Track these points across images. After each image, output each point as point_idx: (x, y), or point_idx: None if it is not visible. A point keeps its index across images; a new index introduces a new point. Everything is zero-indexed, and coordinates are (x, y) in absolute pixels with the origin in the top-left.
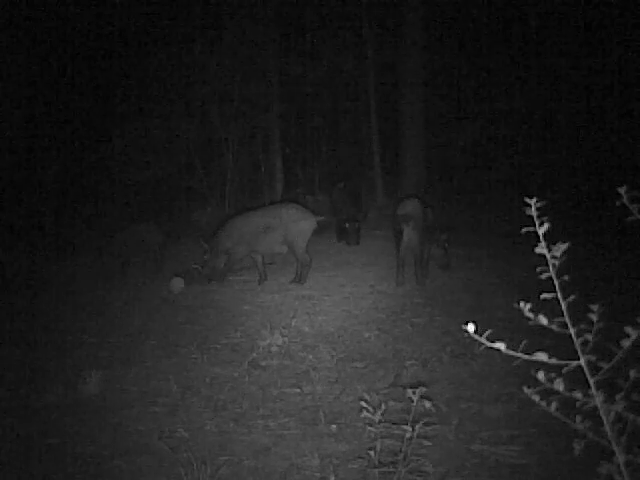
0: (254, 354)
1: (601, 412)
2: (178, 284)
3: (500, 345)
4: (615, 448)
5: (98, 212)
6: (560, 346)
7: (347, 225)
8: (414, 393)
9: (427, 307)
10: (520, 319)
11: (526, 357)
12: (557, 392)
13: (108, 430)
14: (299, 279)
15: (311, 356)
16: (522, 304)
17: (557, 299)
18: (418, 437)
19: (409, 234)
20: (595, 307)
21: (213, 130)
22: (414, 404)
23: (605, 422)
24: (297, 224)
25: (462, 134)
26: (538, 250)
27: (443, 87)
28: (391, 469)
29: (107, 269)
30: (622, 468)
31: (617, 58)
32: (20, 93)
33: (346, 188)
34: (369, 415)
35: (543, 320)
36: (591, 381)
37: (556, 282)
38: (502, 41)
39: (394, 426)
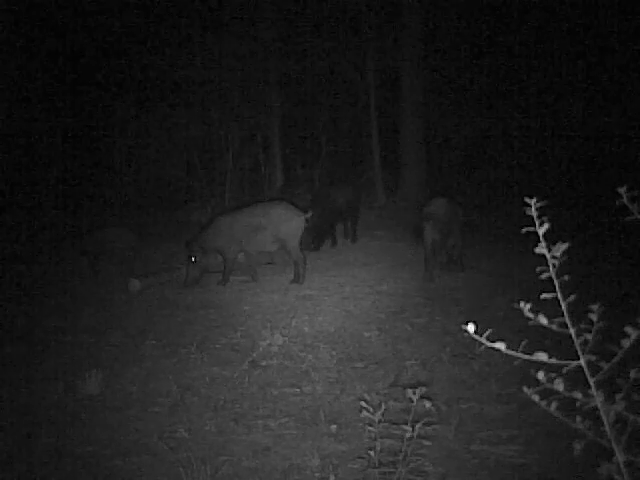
0: (254, 354)
1: (601, 412)
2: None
3: (500, 345)
4: (615, 448)
5: (98, 213)
6: (560, 346)
7: None
8: (414, 393)
9: (427, 307)
10: (520, 319)
11: (526, 357)
12: (557, 392)
13: (108, 430)
14: (298, 278)
15: (311, 356)
16: (522, 304)
17: (557, 299)
18: (418, 437)
19: (429, 232)
20: (595, 307)
21: (213, 130)
22: (414, 404)
23: (605, 422)
24: (288, 223)
25: (462, 134)
26: (538, 250)
27: (443, 86)
28: (391, 469)
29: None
30: (622, 468)
31: (618, 56)
32: (20, 93)
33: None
34: (369, 415)
35: (543, 320)
36: (591, 381)
37: (556, 282)
38: (502, 39)
39: (394, 426)
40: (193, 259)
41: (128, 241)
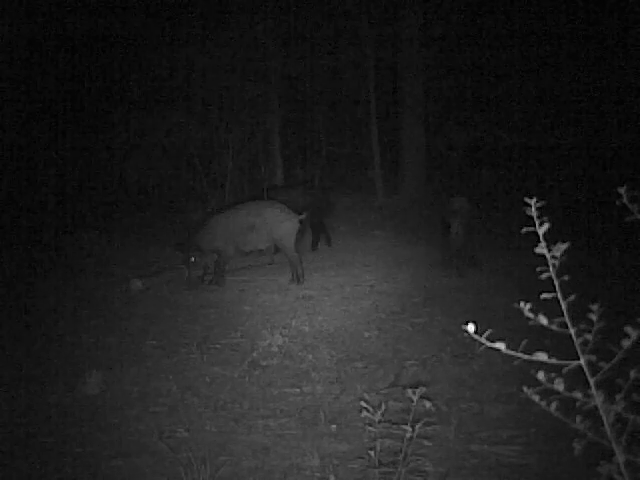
0: (254, 354)
1: (601, 412)
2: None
3: (500, 345)
4: (615, 448)
5: (97, 213)
6: (560, 346)
7: None
8: (414, 393)
9: (427, 307)
10: (520, 319)
11: (526, 357)
12: (557, 392)
13: (108, 430)
14: (297, 279)
15: (311, 356)
16: (522, 304)
17: (557, 299)
18: (418, 437)
19: (456, 228)
20: (595, 307)
21: (213, 130)
22: (414, 404)
23: (605, 422)
24: (282, 224)
25: (462, 134)
26: (538, 250)
27: (443, 87)
28: (391, 469)
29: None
30: (622, 468)
31: (618, 56)
32: (19, 93)
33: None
34: (369, 415)
35: (543, 320)
36: (591, 381)
37: (556, 282)
38: (502, 39)
39: (394, 426)
40: (193, 259)
41: (99, 243)
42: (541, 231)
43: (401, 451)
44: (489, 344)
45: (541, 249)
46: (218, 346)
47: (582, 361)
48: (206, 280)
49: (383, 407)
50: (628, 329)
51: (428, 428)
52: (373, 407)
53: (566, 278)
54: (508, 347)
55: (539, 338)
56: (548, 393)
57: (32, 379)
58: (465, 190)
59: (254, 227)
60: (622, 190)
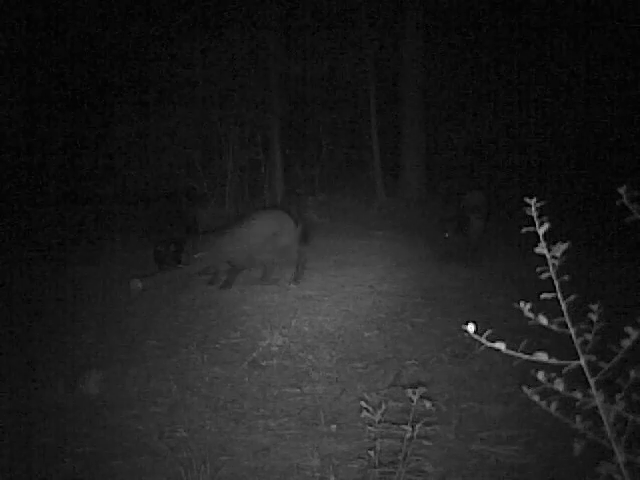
0: (254, 354)
1: (601, 412)
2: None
3: (500, 345)
4: (615, 448)
5: (97, 214)
6: (560, 346)
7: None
8: (414, 393)
9: (427, 307)
10: (520, 319)
11: (526, 357)
12: (557, 392)
13: (108, 430)
14: (297, 278)
15: (311, 356)
16: (522, 304)
17: (557, 299)
18: (418, 437)
19: (477, 222)
20: (595, 307)
21: (213, 130)
22: (414, 404)
23: (605, 422)
24: (295, 230)
25: (462, 134)
26: (538, 250)
27: (443, 86)
28: (391, 469)
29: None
30: (622, 468)
31: (618, 56)
32: (19, 93)
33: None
34: (369, 415)
35: (543, 320)
36: (591, 381)
37: (556, 282)
38: (503, 39)
39: (394, 426)
40: (197, 256)
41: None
42: (541, 231)
43: (401, 451)
44: (489, 344)
45: (541, 249)
46: (218, 346)
47: (582, 361)
48: (215, 281)
49: (383, 407)
50: (628, 329)
51: (428, 428)
52: (373, 407)
53: (566, 278)
54: (508, 347)
55: (539, 338)
56: (548, 393)
57: (32, 379)
58: (478, 185)
59: (271, 237)
60: (622, 190)
